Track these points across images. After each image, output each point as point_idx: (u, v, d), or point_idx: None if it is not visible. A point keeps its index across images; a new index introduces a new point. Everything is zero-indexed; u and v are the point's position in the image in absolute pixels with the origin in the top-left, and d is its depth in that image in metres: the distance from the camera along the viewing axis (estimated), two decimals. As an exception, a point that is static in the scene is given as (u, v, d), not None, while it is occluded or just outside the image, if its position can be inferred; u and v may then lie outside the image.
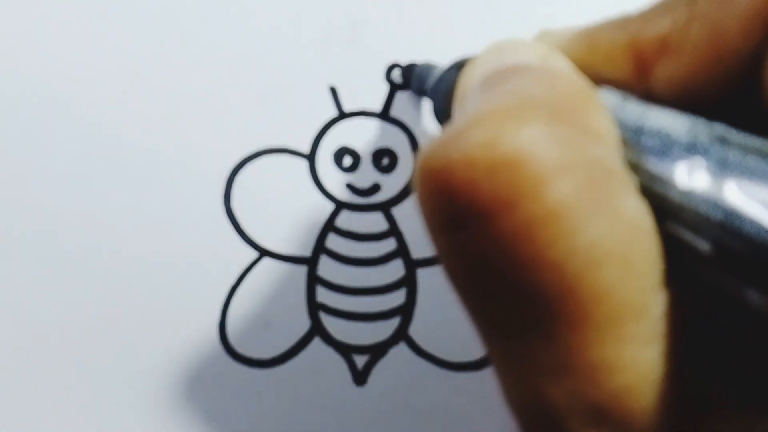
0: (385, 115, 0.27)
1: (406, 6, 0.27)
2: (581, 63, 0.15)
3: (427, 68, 0.24)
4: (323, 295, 0.27)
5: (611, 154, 0.11)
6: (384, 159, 0.27)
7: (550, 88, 0.12)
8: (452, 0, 0.27)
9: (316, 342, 0.26)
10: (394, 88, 0.27)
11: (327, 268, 0.27)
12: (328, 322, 0.27)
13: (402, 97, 0.27)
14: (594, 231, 0.10)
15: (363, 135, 0.27)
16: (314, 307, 0.27)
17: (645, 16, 0.14)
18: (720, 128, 0.12)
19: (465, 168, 0.10)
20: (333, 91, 0.27)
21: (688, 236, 0.11)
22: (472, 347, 0.26)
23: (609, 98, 0.13)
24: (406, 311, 0.26)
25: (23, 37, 0.27)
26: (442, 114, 0.20)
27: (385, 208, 0.27)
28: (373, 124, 0.27)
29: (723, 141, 0.12)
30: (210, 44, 0.27)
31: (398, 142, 0.27)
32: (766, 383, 0.12)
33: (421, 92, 0.25)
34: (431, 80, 0.22)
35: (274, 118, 0.27)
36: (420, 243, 0.27)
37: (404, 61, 0.27)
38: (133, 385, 0.26)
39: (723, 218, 0.11)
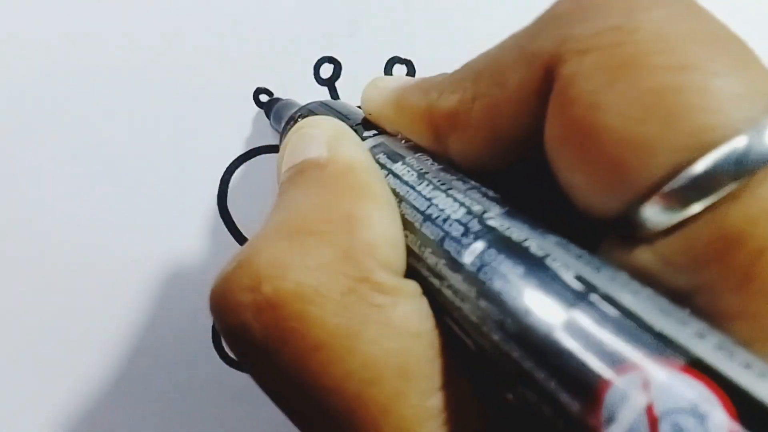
0: (384, 112, 0.26)
1: (407, 0, 0.26)
2: (393, 123, 0.16)
3: (285, 107, 0.23)
4: (319, 300, 0.26)
5: (380, 265, 0.12)
6: (383, 158, 0.26)
7: (324, 201, 0.13)
8: (456, -10, 0.25)
9: (311, 348, 0.26)
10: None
11: (322, 272, 0.26)
12: (323, 328, 0.26)
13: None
14: (365, 351, 0.11)
15: (361, 133, 0.26)
16: (309, 313, 0.26)
17: (441, 87, 0.14)
18: (494, 212, 0.12)
19: (235, 312, 0.11)
20: (331, 86, 0.26)
21: (458, 332, 0.12)
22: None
23: (408, 180, 0.14)
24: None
25: (14, 35, 0.26)
26: None
27: (384, 210, 0.26)
28: (372, 122, 0.26)
29: (489, 231, 0.12)
30: (205, 40, 0.26)
31: (398, 141, 0.25)
32: None
33: (275, 127, 0.24)
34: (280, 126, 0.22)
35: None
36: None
37: (405, 55, 0.25)
38: (124, 390, 0.26)
39: (477, 319, 0.11)
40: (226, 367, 0.26)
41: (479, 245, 0.11)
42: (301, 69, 0.26)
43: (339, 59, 0.26)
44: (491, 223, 0.12)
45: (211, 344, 0.26)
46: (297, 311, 0.11)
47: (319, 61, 0.26)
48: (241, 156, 0.26)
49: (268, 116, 0.25)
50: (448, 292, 0.12)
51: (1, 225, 0.26)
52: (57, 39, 0.26)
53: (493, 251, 0.11)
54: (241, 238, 0.26)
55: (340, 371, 0.11)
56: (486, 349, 0.11)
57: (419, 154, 0.15)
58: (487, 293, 0.11)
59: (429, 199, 0.13)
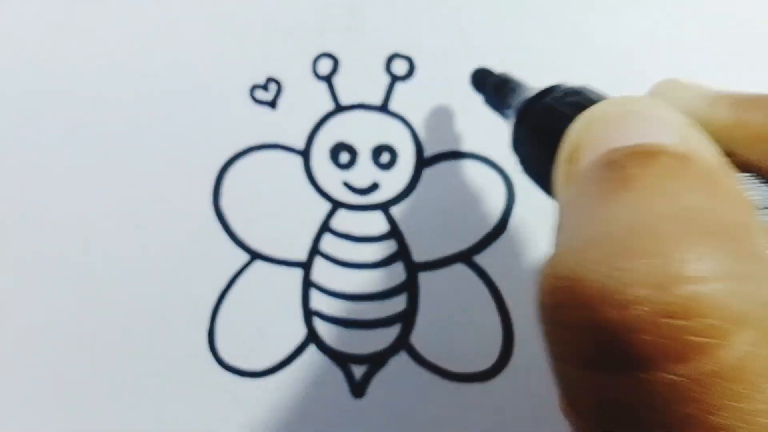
0: (384, 108, 0.25)
1: (407, -8, 0.25)
2: (721, 134, 0.14)
3: (506, 84, 0.21)
4: (319, 301, 0.25)
5: None
6: (383, 155, 0.25)
7: (706, 201, 0.11)
8: (456, -15, 0.25)
9: (311, 351, 0.25)
10: (394, 79, 0.25)
11: (322, 272, 0.25)
12: (324, 329, 0.25)
13: (403, 89, 0.25)
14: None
15: (361, 129, 0.25)
16: (309, 314, 0.25)
17: None
18: None
19: (624, 309, 0.09)
20: (330, 82, 0.25)
21: None
22: (478, 357, 0.25)
23: (757, 198, 0.12)
24: (407, 318, 0.25)
25: (11, 32, 0.25)
26: (529, 162, 0.18)
27: (385, 207, 0.25)
28: (372, 118, 0.25)
29: None
30: (199, 33, 0.25)
31: (399, 138, 0.25)
32: None
33: (494, 106, 0.22)
34: (515, 106, 0.20)
35: (265, 111, 0.25)
36: (422, 245, 0.25)
37: (405, 50, 0.25)
38: (116, 396, 0.25)
39: None
40: (223, 372, 0.25)
41: None
42: (298, 65, 0.25)
43: (337, 54, 0.25)
44: None
45: (207, 349, 0.25)
46: (712, 327, 0.09)
47: (317, 56, 0.25)
48: (236, 154, 0.25)
49: (478, 88, 0.23)
50: None
51: (-20, 227, 0.25)
52: (53, 34, 0.25)
53: None
54: (234, 237, 0.25)
55: (737, 410, 0.09)
56: None
57: (750, 174, 0.14)
58: None
59: None
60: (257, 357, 0.25)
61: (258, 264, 0.25)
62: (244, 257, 0.25)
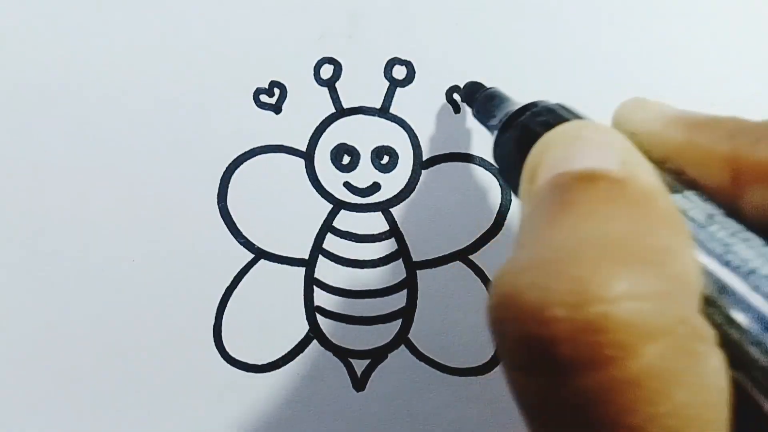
0: (384, 111, 0.26)
1: (407, 0, 0.26)
2: (674, 153, 0.15)
3: (493, 98, 0.22)
4: (321, 298, 0.26)
5: (696, 307, 0.11)
6: (384, 157, 0.26)
7: (634, 225, 0.12)
8: (454, -7, 0.26)
9: (314, 346, 0.26)
10: (394, 84, 0.26)
11: (325, 270, 0.26)
12: (326, 325, 0.26)
13: (403, 94, 0.26)
14: (677, 399, 0.10)
15: (362, 132, 0.26)
16: (312, 310, 0.26)
17: (757, 135, 0.13)
18: None
19: (547, 324, 0.10)
20: (331, 87, 0.26)
21: (754, 393, 0.11)
22: (475, 352, 0.25)
23: (695, 217, 0.13)
24: (406, 314, 0.26)
25: (15, 34, 0.26)
26: (505, 174, 0.19)
27: (385, 207, 0.26)
28: (373, 122, 0.26)
29: None
30: (204, 39, 0.26)
31: (398, 140, 0.26)
32: None
33: (481, 119, 0.23)
34: (496, 120, 0.21)
35: (270, 115, 0.26)
36: (421, 244, 0.26)
37: (405, 56, 0.26)
38: (124, 391, 0.26)
39: None
40: (229, 367, 0.26)
41: None
42: (301, 70, 0.26)
43: (339, 60, 0.26)
44: None
45: (213, 344, 0.26)
46: (621, 341, 0.10)
47: (319, 61, 0.26)
48: (240, 156, 0.26)
49: (468, 102, 0.24)
50: (753, 350, 0.11)
51: (0, 224, 0.26)
52: (58, 38, 0.26)
53: None
54: (239, 236, 0.26)
55: (646, 413, 0.10)
56: None
57: (697, 191, 0.14)
58: None
59: (726, 245, 0.12)
60: (262, 352, 0.26)
61: (262, 262, 0.26)
62: (249, 256, 0.26)
